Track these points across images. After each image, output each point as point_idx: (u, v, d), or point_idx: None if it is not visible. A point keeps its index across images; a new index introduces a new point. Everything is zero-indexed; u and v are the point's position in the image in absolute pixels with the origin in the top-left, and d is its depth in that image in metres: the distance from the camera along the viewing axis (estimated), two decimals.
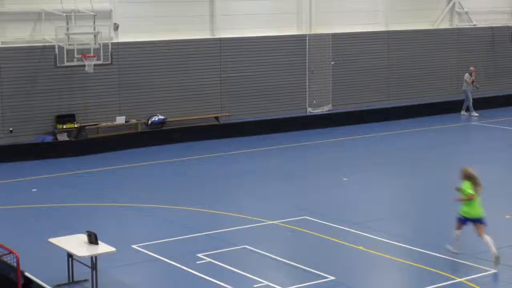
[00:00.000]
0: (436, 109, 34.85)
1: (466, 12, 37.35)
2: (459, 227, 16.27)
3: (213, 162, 26.04)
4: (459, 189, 16.35)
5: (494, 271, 15.52)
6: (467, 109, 34.68)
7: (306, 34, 32.82)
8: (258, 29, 31.85)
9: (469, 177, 16.31)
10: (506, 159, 26.92)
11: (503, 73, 38.54)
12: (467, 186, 16.17)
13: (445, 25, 37.03)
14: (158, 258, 16.40)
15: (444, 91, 36.57)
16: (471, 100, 34.42)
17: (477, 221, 16.08)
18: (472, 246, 17.15)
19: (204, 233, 18.09)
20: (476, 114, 34.35)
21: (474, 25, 37.49)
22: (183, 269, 15.74)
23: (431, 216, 19.78)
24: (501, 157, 27.09)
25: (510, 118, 33.88)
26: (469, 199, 16.05)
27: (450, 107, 35.29)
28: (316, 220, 19.10)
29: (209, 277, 15.22)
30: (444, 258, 16.32)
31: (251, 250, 16.99)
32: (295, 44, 32.63)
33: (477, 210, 16.09)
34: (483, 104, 36.12)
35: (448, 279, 15.15)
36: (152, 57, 29.50)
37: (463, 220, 16.20)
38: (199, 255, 16.46)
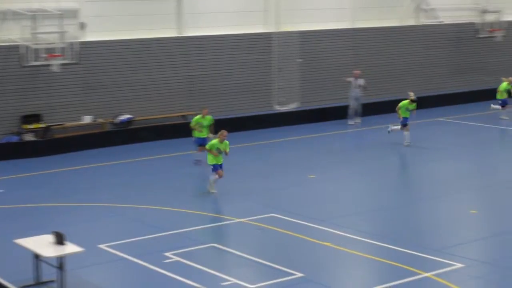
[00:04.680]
0: None
1: (432, 9, 37.60)
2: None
3: (179, 161, 25.99)
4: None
5: (460, 265, 15.65)
6: (355, 114, 32.45)
7: (273, 32, 32.85)
8: (225, 27, 31.83)
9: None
10: (469, 155, 27.11)
11: (468, 69, 38.85)
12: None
13: (411, 22, 37.24)
14: (126, 258, 16.35)
15: (411, 87, 36.77)
16: (354, 107, 32.37)
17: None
18: (439, 241, 17.31)
19: (172, 232, 18.07)
20: (352, 123, 32.27)
21: (440, 21, 37.75)
22: (150, 268, 15.70)
23: (397, 212, 19.90)
24: (468, 154, 27.30)
25: (475, 114, 34.15)
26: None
27: (419, 103, 35.51)
28: (283, 217, 19.15)
29: (177, 275, 15.20)
30: (411, 253, 16.44)
31: (218, 248, 17.00)
32: (262, 42, 32.64)
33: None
34: (449, 100, 36.45)
35: (415, 274, 15.25)
36: (119, 56, 29.38)
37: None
38: (167, 254, 16.43)
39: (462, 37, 38.44)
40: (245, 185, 22.54)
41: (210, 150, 21.51)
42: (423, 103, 35.39)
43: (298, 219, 18.90)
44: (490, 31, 38.58)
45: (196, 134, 25.04)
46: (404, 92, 35.77)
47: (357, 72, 32.52)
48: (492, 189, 22.26)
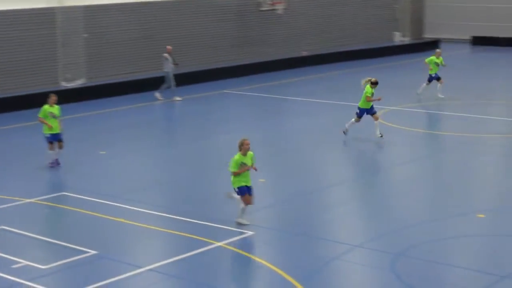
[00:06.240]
0: (199, 78, 35.49)
1: None
2: None
3: None
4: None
5: (251, 233, 16.14)
6: (167, 92, 32.03)
7: (55, 7, 32.09)
8: (4, 3, 30.74)
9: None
10: (257, 126, 27.83)
11: (251, 42, 39.75)
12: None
13: None
14: None
15: (196, 60, 37.22)
16: (174, 83, 31.86)
17: None
18: (229, 211, 17.74)
19: None
20: (179, 98, 31.86)
21: None
22: None
23: (188, 185, 20.19)
24: (255, 124, 28.00)
25: (259, 85, 35.10)
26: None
27: (208, 76, 36.07)
28: (74, 195, 18.93)
29: None
30: (202, 224, 16.76)
31: (8, 230, 16.56)
32: (44, 18, 31.83)
33: None
34: (233, 72, 37.18)
35: (208, 244, 15.58)
36: None
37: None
38: None
39: (245, 10, 39.26)
40: (33, 165, 21.98)
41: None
42: (208, 75, 36.02)
43: (89, 197, 18.75)
44: (272, 4, 39.64)
45: (47, 129, 21.37)
46: (197, 64, 36.27)
47: (170, 48, 32.30)
48: (278, 157, 23.02)
